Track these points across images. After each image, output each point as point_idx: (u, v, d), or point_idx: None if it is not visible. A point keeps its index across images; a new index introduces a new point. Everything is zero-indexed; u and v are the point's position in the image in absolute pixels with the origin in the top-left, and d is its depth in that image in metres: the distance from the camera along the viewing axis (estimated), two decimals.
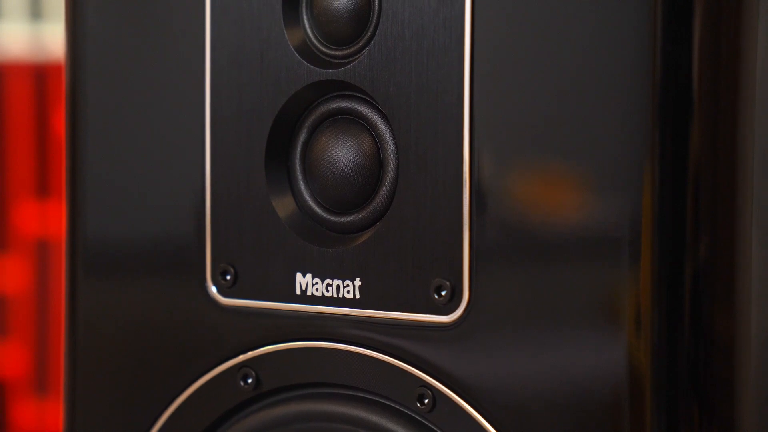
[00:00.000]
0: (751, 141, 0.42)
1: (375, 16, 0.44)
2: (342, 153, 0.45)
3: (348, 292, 0.45)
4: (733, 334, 0.42)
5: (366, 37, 0.44)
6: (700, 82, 0.41)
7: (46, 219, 1.39)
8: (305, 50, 0.45)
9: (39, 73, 1.38)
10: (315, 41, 0.46)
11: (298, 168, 0.46)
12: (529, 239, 0.42)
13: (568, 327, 0.42)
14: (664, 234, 0.41)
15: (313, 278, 0.45)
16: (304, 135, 0.46)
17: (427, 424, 0.44)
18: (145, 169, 0.48)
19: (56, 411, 1.39)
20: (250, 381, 0.46)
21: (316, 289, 0.45)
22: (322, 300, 0.45)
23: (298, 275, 0.45)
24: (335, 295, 0.45)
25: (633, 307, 0.41)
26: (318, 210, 0.46)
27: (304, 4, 0.46)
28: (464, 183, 0.43)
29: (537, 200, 0.42)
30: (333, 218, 0.46)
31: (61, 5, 0.50)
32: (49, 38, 1.40)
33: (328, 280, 0.45)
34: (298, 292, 0.45)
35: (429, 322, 0.44)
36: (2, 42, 1.41)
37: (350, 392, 0.45)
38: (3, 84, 1.39)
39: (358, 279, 0.45)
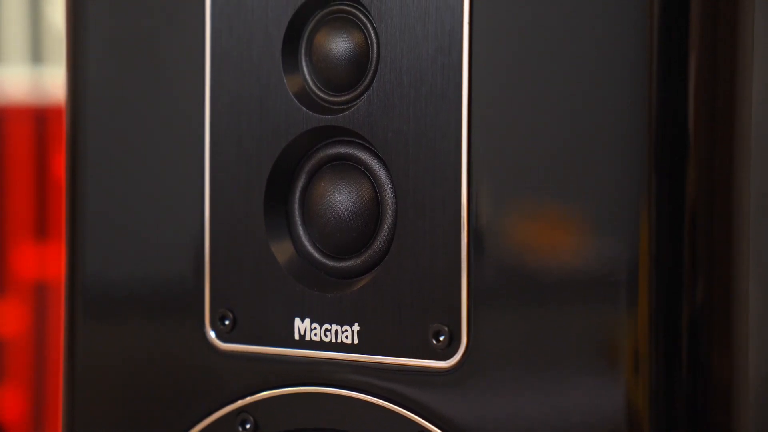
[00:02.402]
0: (747, 184, 0.42)
1: (373, 63, 0.45)
2: (341, 198, 0.45)
3: (346, 337, 0.45)
4: (731, 376, 0.42)
5: (364, 84, 0.45)
6: (696, 126, 0.41)
7: (45, 262, 1.39)
8: (304, 96, 0.46)
9: (39, 117, 1.38)
10: (314, 87, 0.46)
11: (296, 213, 0.46)
12: (527, 283, 0.42)
13: (566, 370, 0.42)
14: (662, 277, 0.41)
15: (311, 323, 0.45)
16: (302, 180, 0.46)
17: None
18: (144, 213, 0.48)
19: None
20: (248, 426, 0.46)
21: (315, 334, 0.45)
22: (321, 345, 0.45)
23: (297, 320, 0.45)
24: (334, 340, 0.45)
25: (631, 350, 0.41)
26: (317, 255, 0.46)
27: (303, 51, 0.46)
28: (462, 228, 0.43)
29: (535, 245, 0.42)
30: (332, 263, 0.46)
31: (62, 49, 0.50)
32: (50, 82, 1.41)
33: (326, 325, 0.45)
34: (296, 337, 0.45)
35: (427, 368, 0.44)
36: (3, 85, 1.41)
37: None
38: (3, 127, 1.39)
39: (356, 324, 0.45)
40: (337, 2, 0.45)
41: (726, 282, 0.42)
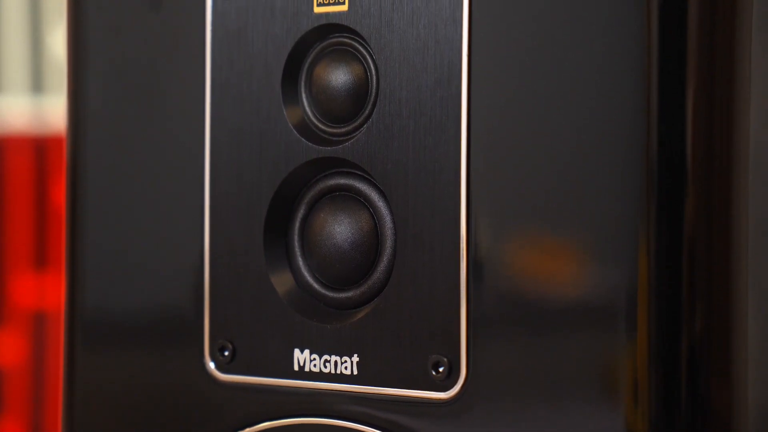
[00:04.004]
0: (745, 213, 0.42)
1: (373, 94, 0.45)
2: (340, 229, 0.45)
3: (346, 368, 0.45)
4: (731, 404, 0.42)
5: (364, 115, 0.45)
6: (693, 155, 0.41)
7: (44, 292, 1.38)
8: (304, 128, 0.46)
9: (39, 146, 1.39)
10: (314, 119, 0.46)
11: (296, 244, 0.46)
12: (526, 313, 0.42)
13: (566, 400, 0.42)
14: (661, 306, 0.41)
15: (311, 354, 0.45)
16: (302, 211, 0.46)
17: None
18: (144, 243, 0.48)
19: None
20: None
21: (314, 365, 0.45)
22: (320, 376, 0.45)
23: (296, 351, 0.45)
24: (333, 371, 0.45)
25: (630, 379, 0.41)
26: (316, 286, 0.46)
27: (303, 83, 0.46)
28: (461, 259, 0.43)
29: (534, 275, 0.42)
30: (331, 294, 0.46)
31: (63, 79, 0.50)
32: (50, 111, 1.41)
33: (326, 356, 0.45)
34: (296, 368, 0.45)
35: (427, 399, 0.44)
36: (3, 115, 1.41)
37: None
38: (3, 156, 1.39)
39: (356, 355, 0.45)
40: (337, 35, 0.46)
41: (725, 311, 0.42)
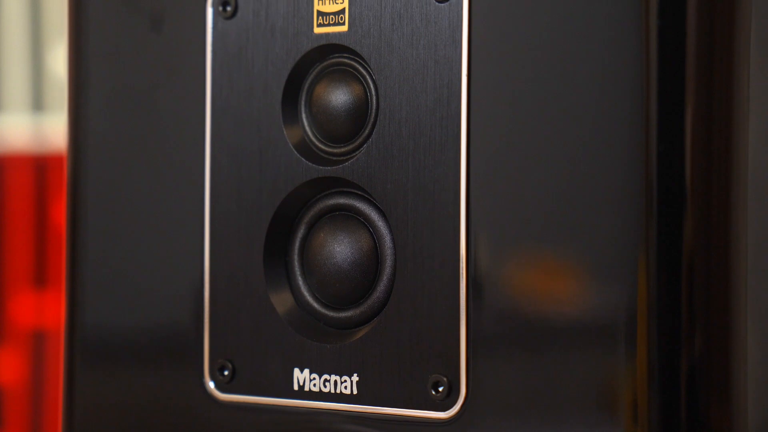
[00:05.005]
0: (744, 233, 0.42)
1: (373, 114, 0.45)
2: (340, 249, 0.45)
3: (346, 387, 0.45)
4: (730, 424, 0.42)
5: (364, 135, 0.45)
6: (692, 175, 0.42)
7: (43, 310, 1.38)
8: (304, 148, 0.46)
9: (39, 165, 1.39)
10: (314, 139, 0.46)
11: (296, 264, 0.46)
12: (526, 333, 0.42)
13: (565, 420, 0.42)
14: (660, 326, 0.41)
15: (311, 374, 0.45)
16: (302, 231, 0.46)
17: None
18: (144, 263, 0.48)
19: None
20: None
21: (314, 385, 0.45)
22: (320, 396, 0.45)
23: (296, 371, 0.46)
24: (333, 391, 0.45)
25: (630, 399, 0.41)
26: (316, 305, 0.46)
27: (303, 103, 0.46)
28: (461, 279, 0.43)
29: (533, 295, 0.43)
30: (331, 314, 0.46)
31: (63, 97, 0.50)
32: (50, 130, 1.41)
33: (326, 376, 0.45)
34: (295, 387, 0.45)
35: (426, 418, 0.44)
36: (3, 133, 1.42)
37: None
38: (3, 175, 1.39)
39: (355, 374, 0.45)
40: (337, 55, 0.46)
41: (724, 331, 0.42)
